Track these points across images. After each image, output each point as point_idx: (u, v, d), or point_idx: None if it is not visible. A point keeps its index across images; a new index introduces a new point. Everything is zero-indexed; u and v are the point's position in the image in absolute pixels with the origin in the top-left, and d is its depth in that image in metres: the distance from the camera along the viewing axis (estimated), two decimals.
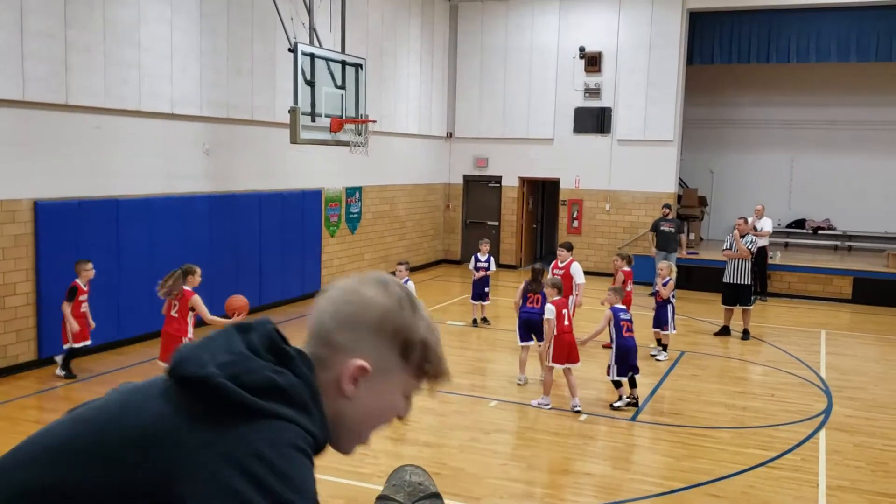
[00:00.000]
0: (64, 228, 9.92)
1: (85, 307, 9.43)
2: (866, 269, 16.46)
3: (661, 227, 16.26)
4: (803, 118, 20.13)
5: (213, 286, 12.40)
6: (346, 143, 12.01)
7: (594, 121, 18.55)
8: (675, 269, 11.69)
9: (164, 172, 11.47)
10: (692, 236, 19.20)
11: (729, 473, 7.12)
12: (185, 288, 8.47)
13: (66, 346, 9.37)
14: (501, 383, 9.86)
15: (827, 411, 9.01)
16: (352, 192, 16.09)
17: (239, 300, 8.50)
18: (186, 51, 11.65)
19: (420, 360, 1.34)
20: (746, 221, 13.27)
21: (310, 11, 11.53)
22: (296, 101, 10.81)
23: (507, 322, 13.03)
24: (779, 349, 12.03)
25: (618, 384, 8.94)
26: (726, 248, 12.96)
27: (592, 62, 18.44)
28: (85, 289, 9.39)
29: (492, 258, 13.13)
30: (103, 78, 10.34)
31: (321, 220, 15.10)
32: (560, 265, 11.33)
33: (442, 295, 15.90)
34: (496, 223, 20.01)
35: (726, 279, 12.79)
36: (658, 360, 11.03)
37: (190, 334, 8.48)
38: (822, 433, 8.29)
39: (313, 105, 11.17)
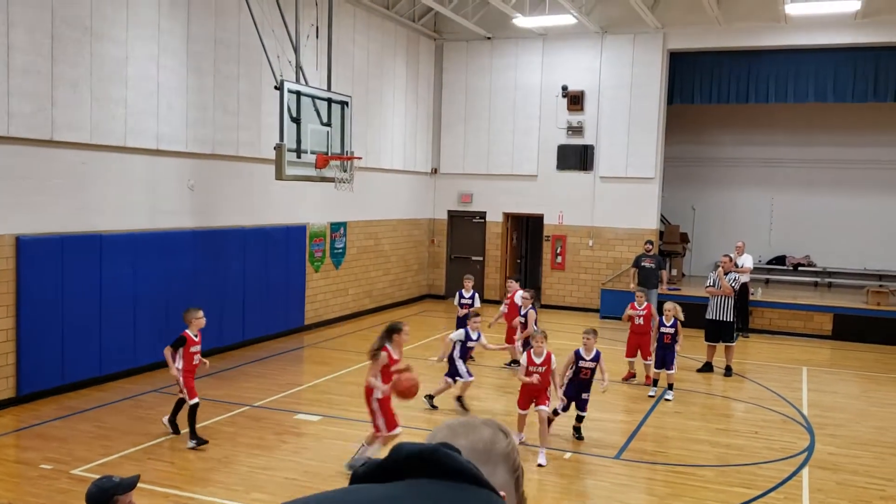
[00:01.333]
0: (46, 264, 9.88)
1: (198, 359, 8.58)
2: (846, 306, 16.62)
3: (643, 263, 16.40)
4: (782, 157, 20.45)
5: None
6: (331, 180, 12.07)
7: (577, 158, 18.76)
8: (680, 309, 11.48)
9: (148, 208, 11.47)
10: (674, 272, 19.34)
11: None
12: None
13: (190, 403, 8.38)
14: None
15: (809, 449, 9.05)
16: (336, 227, 16.12)
17: (408, 380, 7.44)
18: (173, 88, 11.73)
19: (519, 486, 1.55)
20: (731, 259, 13.45)
21: (296, 50, 11.66)
22: (281, 138, 10.88)
23: (489, 359, 13.02)
24: (761, 386, 12.09)
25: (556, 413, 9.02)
26: (709, 286, 13.12)
27: (575, 101, 18.70)
28: (196, 339, 8.54)
29: (476, 294, 13.12)
30: (89, 114, 10.38)
31: (305, 256, 15.11)
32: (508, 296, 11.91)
33: (426, 330, 15.87)
34: (480, 258, 20.08)
35: (709, 316, 12.92)
36: (667, 399, 10.97)
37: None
38: (805, 471, 8.32)
39: (299, 141, 11.24)
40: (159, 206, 11.65)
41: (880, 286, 17.56)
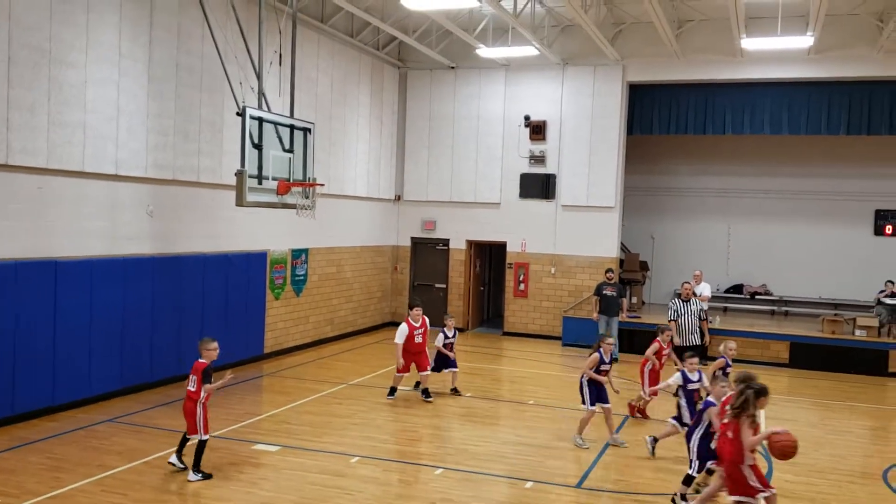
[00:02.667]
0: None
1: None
2: (802, 334, 16.91)
3: (604, 292, 16.58)
4: (739, 187, 20.89)
5: (154, 349, 12.14)
6: (293, 206, 11.99)
7: (539, 187, 18.93)
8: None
9: (106, 234, 11.28)
10: (634, 300, 19.55)
11: None
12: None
13: (203, 438, 8.32)
14: (448, 451, 9.76)
15: (768, 477, 9.11)
16: (298, 253, 16.01)
17: (785, 440, 6.65)
18: (133, 113, 11.61)
19: None
20: (691, 287, 13.83)
21: (259, 77, 11.63)
22: (243, 164, 10.79)
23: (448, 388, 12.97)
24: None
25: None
26: (671, 319, 13.44)
27: (537, 130, 18.91)
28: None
29: (456, 332, 13.15)
30: (46, 138, 10.21)
31: (266, 283, 14.96)
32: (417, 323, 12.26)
33: (389, 359, 15.74)
34: (444, 285, 20.07)
35: (678, 342, 13.09)
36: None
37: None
38: (762, 500, 8.37)
39: (260, 168, 11.16)
40: (118, 232, 11.47)
41: (835, 315, 17.90)
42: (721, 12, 15.67)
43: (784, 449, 6.60)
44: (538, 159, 18.98)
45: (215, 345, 8.55)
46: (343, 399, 12.24)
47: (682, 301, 14.12)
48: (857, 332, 16.52)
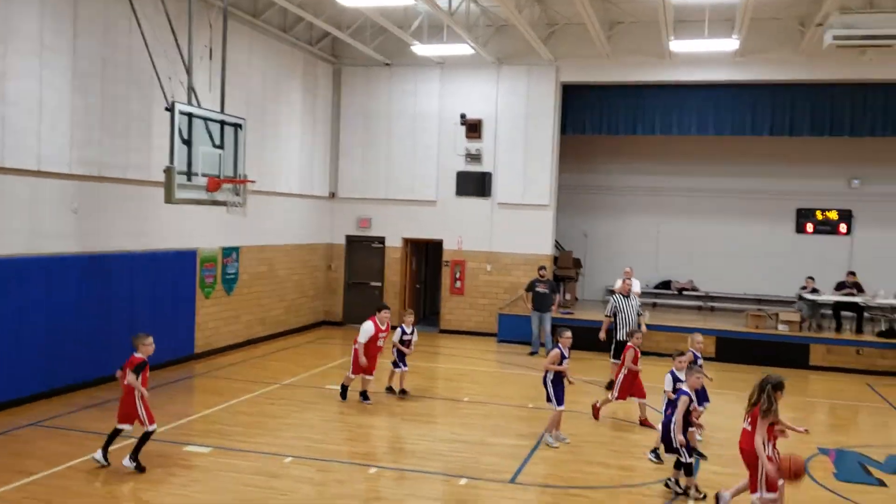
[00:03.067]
0: None
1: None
2: (728, 329, 17.43)
3: (537, 288, 16.82)
4: (668, 186, 21.42)
5: (81, 350, 11.78)
6: (223, 203, 11.79)
7: (475, 184, 19.04)
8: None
9: (28, 231, 10.88)
10: (568, 296, 19.86)
11: None
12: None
13: (150, 429, 8.38)
14: (382, 450, 9.74)
15: (695, 469, 9.37)
16: (229, 252, 15.74)
17: (797, 462, 7.07)
18: (56, 107, 11.22)
19: None
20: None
21: (188, 71, 11.39)
22: (172, 161, 10.56)
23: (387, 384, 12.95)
24: (651, 408, 12.46)
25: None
26: (609, 315, 13.89)
27: (473, 128, 19.01)
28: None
29: (415, 329, 12.75)
30: None
31: (196, 282, 14.66)
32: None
33: (322, 358, 15.65)
34: (379, 284, 20.00)
35: (619, 337, 13.49)
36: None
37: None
38: (692, 490, 8.60)
39: (190, 164, 10.94)
40: (40, 229, 11.07)
41: (759, 310, 18.52)
42: (651, 15, 16.02)
43: (794, 475, 7.06)
44: (474, 157, 19.08)
45: (150, 340, 8.56)
46: (276, 399, 12.09)
47: (623, 297, 14.42)
48: (780, 327, 17.13)
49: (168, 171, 10.49)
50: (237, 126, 12.01)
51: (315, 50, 18.71)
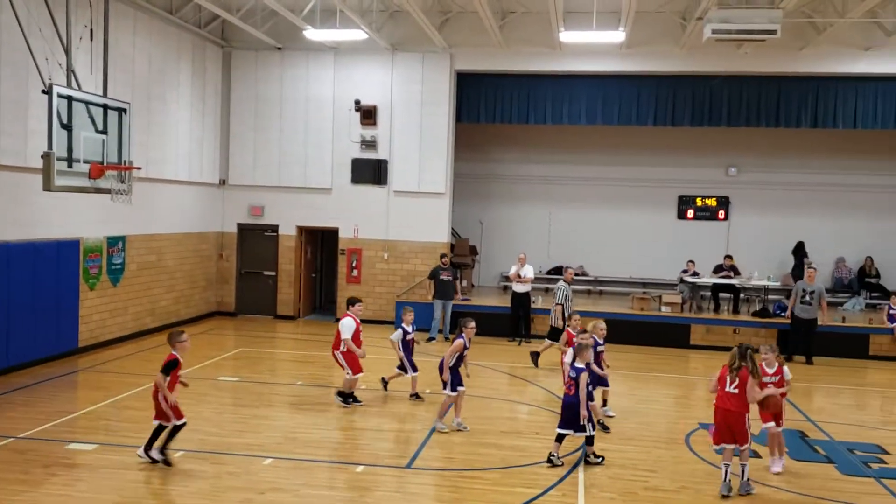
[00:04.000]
0: None
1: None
2: (616, 311, 18.08)
3: (440, 276, 17.01)
4: (559, 174, 21.97)
5: None
6: (107, 191, 11.32)
7: (371, 172, 18.97)
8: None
9: None
10: (465, 283, 20.11)
11: None
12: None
13: (178, 423, 8.47)
14: (277, 440, 9.65)
15: (584, 446, 9.72)
16: (114, 241, 15.13)
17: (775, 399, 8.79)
18: None
19: None
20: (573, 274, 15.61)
21: (67, 52, 10.85)
22: (50, 146, 10.05)
23: (282, 375, 12.83)
24: (542, 388, 12.84)
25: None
26: (559, 303, 15.05)
27: (368, 115, 18.92)
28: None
29: (414, 327, 12.17)
30: None
31: (79, 273, 14.04)
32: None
33: (215, 349, 15.30)
34: (273, 273, 19.68)
35: (560, 325, 14.43)
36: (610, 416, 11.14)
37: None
38: (581, 468, 8.94)
39: (70, 150, 10.44)
40: None
41: (644, 293, 19.31)
42: (541, 5, 16.34)
43: (776, 407, 8.72)
44: (370, 144, 19.00)
45: (185, 336, 8.79)
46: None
47: (569, 285, 14.97)
48: (663, 309, 17.93)
49: (46, 157, 9.99)
50: (121, 111, 11.53)
51: (204, 33, 18.15)
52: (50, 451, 8.82)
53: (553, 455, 8.98)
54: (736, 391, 8.26)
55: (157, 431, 8.48)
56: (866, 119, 18.25)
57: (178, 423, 8.47)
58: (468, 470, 8.76)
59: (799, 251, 20.30)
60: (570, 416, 8.94)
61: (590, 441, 9.07)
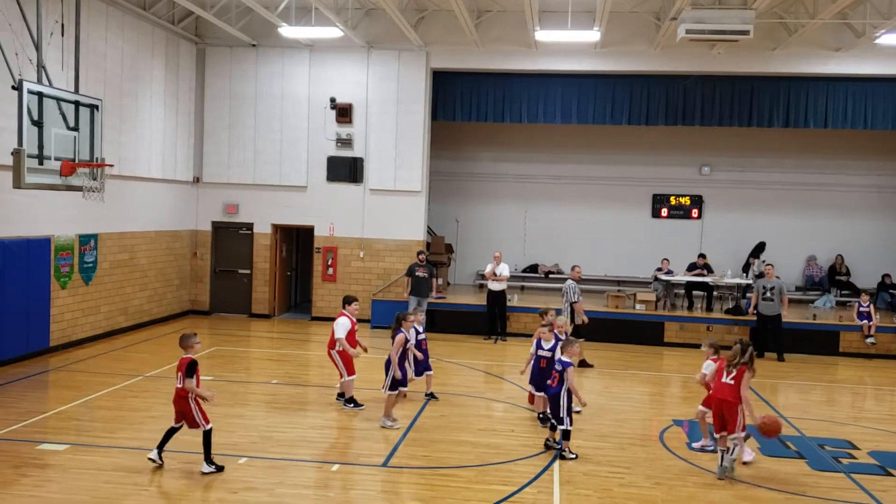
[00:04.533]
0: None
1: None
2: (590, 309, 18.06)
3: (417, 273, 17.01)
4: (534, 173, 22.06)
5: None
6: (79, 188, 11.18)
7: (347, 170, 18.91)
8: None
9: None
10: (440, 281, 20.11)
11: None
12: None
13: (207, 428, 8.28)
14: (252, 439, 9.59)
15: (560, 443, 9.78)
16: (86, 239, 14.95)
17: (774, 424, 8.84)
18: None
19: None
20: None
21: (38, 47, 10.69)
22: (20, 143, 9.91)
23: (257, 374, 12.76)
24: (517, 386, 12.87)
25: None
26: (575, 301, 15.19)
27: (343, 113, 18.85)
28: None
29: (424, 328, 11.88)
30: None
31: (50, 271, 13.85)
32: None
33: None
34: (248, 271, 19.55)
35: (578, 322, 14.96)
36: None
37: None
38: (556, 465, 8.99)
39: (41, 147, 10.31)
40: None
41: (618, 291, 19.43)
42: (517, 4, 16.37)
43: (770, 433, 8.78)
44: (345, 142, 18.94)
45: (197, 337, 8.53)
46: (139, 392, 11.64)
47: (577, 283, 15.16)
48: (638, 306, 18.06)
49: (17, 154, 9.85)
50: (93, 107, 11.40)
51: (177, 29, 17.97)
52: (20, 451, 8.70)
53: (549, 440, 9.51)
54: (732, 382, 8.78)
55: (208, 439, 8.29)
56: (836, 119, 18.51)
57: (208, 427, 8.29)
58: (444, 468, 8.77)
59: (758, 251, 20.39)
60: (553, 407, 9.29)
61: (566, 435, 9.20)
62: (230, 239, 19.64)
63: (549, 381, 9.61)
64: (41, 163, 10.28)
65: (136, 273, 16.86)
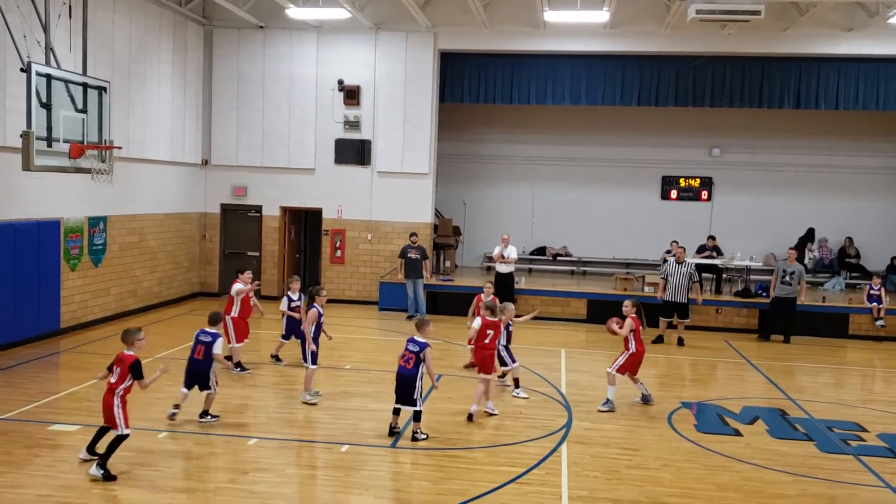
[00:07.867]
0: None
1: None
2: (598, 292, 18.18)
3: (409, 255, 17.04)
4: (542, 155, 21.97)
5: None
6: (88, 171, 11.22)
7: (355, 152, 18.88)
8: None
9: None
10: (448, 264, 20.15)
11: (481, 493, 7.51)
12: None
13: (125, 433, 7.65)
14: (262, 420, 9.65)
15: (567, 426, 9.81)
16: (95, 222, 15.00)
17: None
18: None
19: None
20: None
21: (46, 30, 10.68)
22: (29, 125, 9.96)
23: (266, 356, 12.82)
24: (525, 368, 12.89)
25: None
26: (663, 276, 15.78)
27: (351, 95, 18.79)
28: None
29: (303, 295, 12.29)
30: None
31: (60, 253, 13.91)
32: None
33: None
34: (257, 253, 19.60)
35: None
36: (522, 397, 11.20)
37: None
38: (564, 446, 9.02)
39: (50, 129, 10.35)
40: None
41: (627, 273, 19.41)
42: None
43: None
44: (353, 125, 18.90)
45: (143, 334, 8.08)
46: (148, 373, 11.57)
47: (680, 264, 15.92)
48: (646, 289, 18.02)
49: (26, 137, 9.89)
50: (101, 89, 11.41)
51: (185, 10, 17.92)
52: (32, 432, 8.78)
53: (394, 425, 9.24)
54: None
55: (117, 443, 7.68)
56: (848, 100, 18.37)
57: (125, 432, 7.69)
58: (452, 449, 8.80)
59: (809, 237, 20.50)
60: (406, 389, 8.96)
61: (417, 416, 9.06)
62: (239, 221, 19.67)
63: (401, 362, 9.11)
64: (50, 145, 10.32)
65: (145, 255, 16.93)
